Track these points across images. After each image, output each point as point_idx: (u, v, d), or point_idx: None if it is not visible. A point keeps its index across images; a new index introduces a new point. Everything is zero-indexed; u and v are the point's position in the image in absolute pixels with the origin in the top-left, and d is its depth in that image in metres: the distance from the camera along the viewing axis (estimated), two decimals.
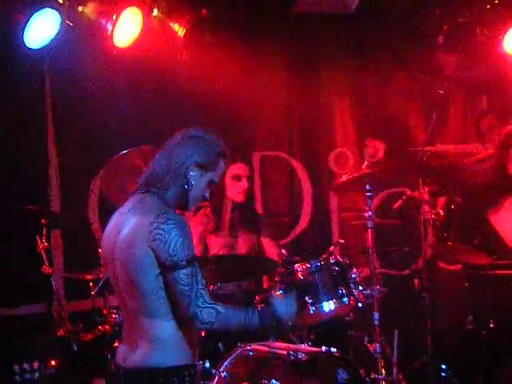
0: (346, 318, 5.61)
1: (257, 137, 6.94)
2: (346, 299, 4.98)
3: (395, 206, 5.98)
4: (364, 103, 7.27)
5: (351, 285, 5.04)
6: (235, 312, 3.26)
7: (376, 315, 5.20)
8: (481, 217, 5.99)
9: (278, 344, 4.89)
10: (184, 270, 3.11)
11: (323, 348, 4.64)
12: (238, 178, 5.88)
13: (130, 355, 3.24)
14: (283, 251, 5.34)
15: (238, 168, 5.91)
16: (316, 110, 7.02)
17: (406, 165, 5.63)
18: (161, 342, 3.19)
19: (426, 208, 6.21)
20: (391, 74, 7.12)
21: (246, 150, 6.70)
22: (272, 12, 6.49)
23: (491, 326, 5.96)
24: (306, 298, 4.89)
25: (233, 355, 4.64)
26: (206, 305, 3.14)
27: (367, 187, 5.29)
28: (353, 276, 5.08)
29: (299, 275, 4.99)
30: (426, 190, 6.45)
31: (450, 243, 6.07)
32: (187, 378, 3.20)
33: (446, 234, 6.13)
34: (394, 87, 7.17)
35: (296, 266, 5.06)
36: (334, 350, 4.64)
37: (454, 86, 6.95)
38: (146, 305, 3.18)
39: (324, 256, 5.24)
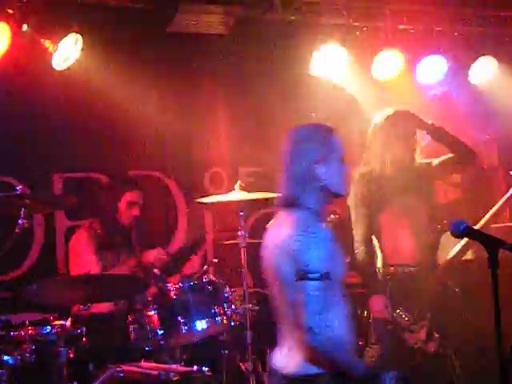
0: (221, 338, 5.62)
1: (130, 155, 6.85)
2: (218, 318, 5.02)
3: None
4: (240, 125, 7.30)
5: (224, 304, 5.08)
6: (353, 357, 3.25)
7: (249, 333, 5.24)
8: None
9: (150, 364, 4.85)
10: (315, 282, 3.08)
11: (195, 367, 4.64)
12: (132, 204, 5.83)
13: (291, 362, 3.23)
14: (155, 271, 5.33)
15: (134, 195, 5.86)
16: (191, 130, 7.01)
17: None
18: None
19: None
20: (267, 96, 7.17)
21: (120, 169, 6.61)
22: (145, 30, 6.45)
23: (360, 344, 6.10)
24: (179, 318, 4.89)
25: (102, 376, 4.56)
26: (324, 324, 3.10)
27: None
28: (226, 295, 5.13)
29: (172, 294, 4.99)
30: None
31: None
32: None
33: None
34: (269, 109, 7.23)
35: (169, 285, 5.06)
36: (205, 369, 4.64)
37: None
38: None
39: (197, 275, 5.27)
